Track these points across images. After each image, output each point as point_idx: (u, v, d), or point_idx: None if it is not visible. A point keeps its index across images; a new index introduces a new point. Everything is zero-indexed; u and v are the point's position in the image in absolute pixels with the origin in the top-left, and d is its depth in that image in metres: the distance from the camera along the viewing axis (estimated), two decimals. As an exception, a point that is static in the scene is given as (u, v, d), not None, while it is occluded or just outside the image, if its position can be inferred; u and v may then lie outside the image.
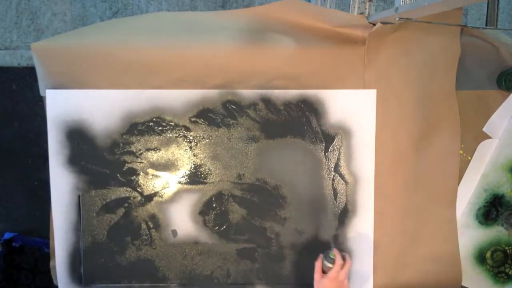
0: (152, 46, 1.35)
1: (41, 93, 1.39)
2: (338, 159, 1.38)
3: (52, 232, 1.41)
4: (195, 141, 1.38)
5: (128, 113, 1.36)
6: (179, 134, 1.38)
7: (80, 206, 1.39)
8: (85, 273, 1.40)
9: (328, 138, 1.38)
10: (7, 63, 2.59)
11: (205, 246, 1.40)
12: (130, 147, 1.37)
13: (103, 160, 1.37)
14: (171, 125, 1.37)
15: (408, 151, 1.37)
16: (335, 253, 1.28)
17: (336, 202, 1.39)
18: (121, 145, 1.37)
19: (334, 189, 1.39)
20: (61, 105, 1.35)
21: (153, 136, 1.37)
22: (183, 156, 1.38)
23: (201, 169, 1.39)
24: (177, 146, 1.38)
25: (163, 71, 1.35)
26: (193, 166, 1.39)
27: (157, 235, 1.40)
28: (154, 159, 1.38)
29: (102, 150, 1.37)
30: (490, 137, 1.40)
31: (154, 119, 1.37)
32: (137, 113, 1.36)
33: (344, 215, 1.39)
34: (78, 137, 1.36)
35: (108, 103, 1.35)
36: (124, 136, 1.37)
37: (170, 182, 1.39)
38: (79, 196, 1.38)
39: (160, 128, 1.37)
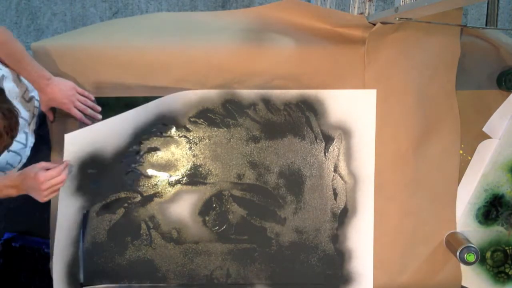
0: (152, 46, 1.35)
1: (41, 93, 1.39)
2: (338, 159, 1.38)
3: (52, 232, 1.41)
4: (195, 141, 1.38)
5: (136, 129, 1.35)
6: (179, 134, 1.38)
7: (84, 223, 1.37)
8: (85, 273, 1.40)
9: (328, 138, 1.38)
10: (7, 63, 2.58)
11: (205, 246, 1.40)
12: (133, 150, 1.36)
13: (110, 172, 1.35)
14: (171, 126, 1.37)
15: (408, 151, 1.37)
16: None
17: (336, 202, 1.39)
18: (126, 154, 1.36)
19: (334, 189, 1.39)
20: (78, 145, 1.32)
21: (154, 137, 1.37)
22: (183, 157, 1.38)
23: (201, 169, 1.39)
24: (177, 146, 1.38)
25: (163, 71, 1.35)
26: (193, 166, 1.39)
27: (157, 235, 1.40)
28: (154, 159, 1.38)
29: (110, 165, 1.35)
30: (490, 137, 1.40)
31: (158, 125, 1.36)
32: (145, 126, 1.35)
33: (344, 215, 1.39)
34: (89, 166, 1.34)
35: (120, 127, 1.33)
36: (131, 148, 1.36)
37: (170, 182, 1.39)
38: (83, 214, 1.37)
39: (161, 130, 1.37)
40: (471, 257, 1.32)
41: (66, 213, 1.35)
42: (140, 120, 1.35)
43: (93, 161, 1.34)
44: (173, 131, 1.37)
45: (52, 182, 1.18)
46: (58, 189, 1.22)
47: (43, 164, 1.21)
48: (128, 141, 1.35)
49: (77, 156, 1.32)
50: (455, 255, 1.34)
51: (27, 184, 1.19)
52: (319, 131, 1.38)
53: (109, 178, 1.36)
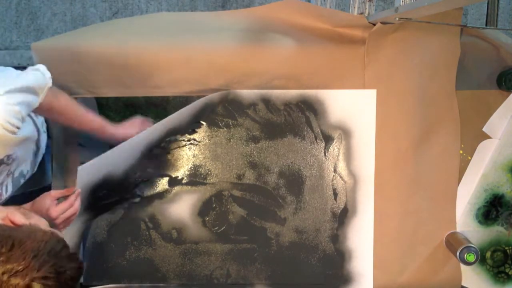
0: (152, 47, 1.35)
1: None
2: (338, 159, 1.38)
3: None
4: (195, 141, 1.38)
5: (147, 147, 1.33)
6: (179, 135, 1.37)
7: (86, 232, 1.35)
8: (85, 273, 1.40)
9: (328, 138, 1.38)
10: (7, 63, 2.58)
11: (205, 246, 1.40)
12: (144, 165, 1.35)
13: (120, 189, 1.33)
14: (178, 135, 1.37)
15: (408, 151, 1.37)
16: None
17: (336, 202, 1.39)
18: (136, 170, 1.34)
19: (334, 189, 1.39)
20: (90, 175, 1.23)
21: (164, 150, 1.36)
22: (183, 157, 1.38)
23: (200, 170, 1.39)
24: (177, 147, 1.38)
25: (163, 72, 1.34)
26: (192, 166, 1.39)
27: (157, 235, 1.40)
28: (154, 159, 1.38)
29: (120, 184, 1.32)
30: (490, 137, 1.40)
31: (169, 137, 1.35)
32: (156, 143, 1.34)
33: (344, 215, 1.39)
34: (100, 189, 1.28)
35: (132, 149, 1.29)
36: (141, 163, 1.34)
37: (170, 183, 1.39)
38: (87, 225, 1.34)
39: (171, 141, 1.36)
40: (471, 257, 1.32)
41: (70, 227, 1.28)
42: (152, 139, 1.33)
43: (104, 184, 1.28)
44: (174, 131, 1.37)
45: (66, 215, 1.12)
46: (73, 219, 1.15)
47: (53, 193, 1.13)
48: (139, 159, 1.33)
49: (89, 183, 1.24)
50: (455, 255, 1.34)
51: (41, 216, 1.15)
52: (319, 131, 1.38)
53: (119, 194, 1.34)
